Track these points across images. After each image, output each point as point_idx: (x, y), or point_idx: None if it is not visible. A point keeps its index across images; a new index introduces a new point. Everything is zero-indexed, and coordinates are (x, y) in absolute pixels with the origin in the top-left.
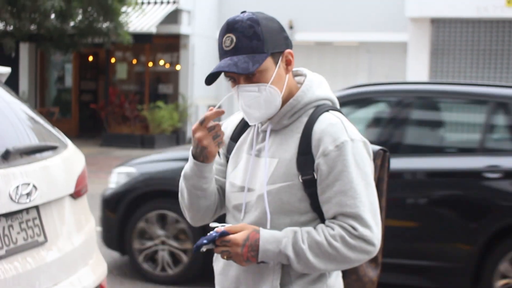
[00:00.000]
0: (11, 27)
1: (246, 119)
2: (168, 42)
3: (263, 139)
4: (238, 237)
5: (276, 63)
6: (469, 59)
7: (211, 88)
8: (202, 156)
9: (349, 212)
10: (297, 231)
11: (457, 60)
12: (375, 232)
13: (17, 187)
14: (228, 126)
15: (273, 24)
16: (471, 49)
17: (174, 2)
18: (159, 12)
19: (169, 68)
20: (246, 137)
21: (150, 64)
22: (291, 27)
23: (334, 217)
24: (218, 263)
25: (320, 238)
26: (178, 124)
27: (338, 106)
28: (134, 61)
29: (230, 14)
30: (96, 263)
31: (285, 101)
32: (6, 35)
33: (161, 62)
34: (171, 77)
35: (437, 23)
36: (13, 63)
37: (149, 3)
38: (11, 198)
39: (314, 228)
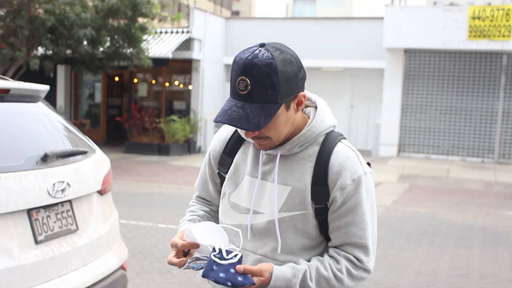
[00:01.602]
0: (50, 52)
1: (258, 147)
2: (182, 66)
3: (267, 162)
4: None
5: (288, 107)
6: (435, 84)
7: (218, 104)
8: None
9: (357, 242)
10: (306, 270)
11: (425, 85)
12: (372, 260)
13: (54, 184)
14: (217, 143)
15: (291, 68)
16: (437, 75)
17: (187, 32)
18: (174, 40)
19: (182, 88)
20: (245, 157)
21: (167, 84)
22: (299, 67)
23: (340, 245)
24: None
25: (327, 274)
26: (189, 135)
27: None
28: (153, 81)
29: (234, 43)
30: (118, 248)
31: (293, 130)
32: (46, 58)
33: (176, 83)
34: (184, 95)
35: (409, 53)
36: (52, 82)
37: (166, 32)
38: (49, 193)
39: (321, 262)
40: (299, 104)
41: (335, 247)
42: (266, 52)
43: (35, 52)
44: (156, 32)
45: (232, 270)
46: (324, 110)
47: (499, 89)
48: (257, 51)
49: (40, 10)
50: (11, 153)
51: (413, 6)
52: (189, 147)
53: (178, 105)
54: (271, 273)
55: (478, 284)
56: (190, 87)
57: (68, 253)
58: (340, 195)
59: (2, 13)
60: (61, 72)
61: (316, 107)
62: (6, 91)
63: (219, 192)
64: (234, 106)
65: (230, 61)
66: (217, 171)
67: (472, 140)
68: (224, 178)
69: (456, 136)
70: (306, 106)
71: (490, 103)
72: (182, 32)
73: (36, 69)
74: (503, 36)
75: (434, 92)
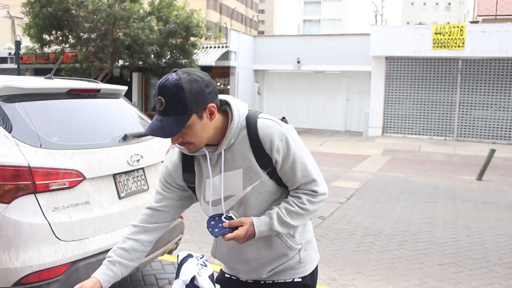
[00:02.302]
0: (128, 63)
1: (188, 153)
2: (222, 71)
3: (216, 161)
4: (241, 232)
5: (200, 117)
6: (409, 82)
7: (248, 99)
8: None
9: (307, 180)
10: (278, 211)
11: (402, 83)
12: (323, 185)
13: (131, 156)
14: (171, 166)
15: (197, 85)
16: (411, 76)
17: (226, 47)
18: (216, 53)
19: (223, 87)
20: (200, 166)
21: None
22: (298, 62)
23: (297, 187)
24: (227, 255)
25: (294, 209)
26: None
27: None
28: None
29: (260, 54)
30: None
31: (218, 128)
32: (124, 68)
33: (218, 83)
34: (224, 93)
35: (389, 59)
36: (128, 84)
37: (210, 47)
38: (128, 163)
39: (287, 202)
40: (211, 113)
41: (294, 189)
42: (175, 75)
43: (116, 63)
44: (203, 47)
45: (220, 225)
46: (235, 103)
47: (456, 85)
48: (169, 76)
49: (120, 34)
50: (102, 134)
51: (391, 25)
52: None
53: None
54: (252, 222)
55: (442, 229)
56: (228, 86)
57: (142, 205)
58: (278, 155)
59: (94, 36)
60: (135, 78)
61: (229, 104)
62: (98, 90)
63: (178, 199)
64: (155, 120)
65: (257, 67)
66: (187, 186)
67: (437, 123)
68: (193, 188)
69: (425, 121)
70: (222, 105)
71: (450, 96)
72: (222, 47)
73: (118, 76)
74: (458, 46)
75: (408, 88)
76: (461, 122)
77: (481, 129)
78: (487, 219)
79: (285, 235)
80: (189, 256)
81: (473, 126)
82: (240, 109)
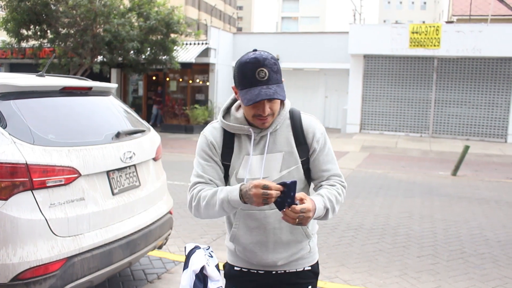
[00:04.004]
0: (107, 59)
1: (262, 127)
2: (202, 68)
3: (259, 142)
4: (309, 205)
5: None
6: (386, 80)
7: (227, 95)
8: (247, 201)
9: (337, 173)
10: (327, 193)
11: (379, 80)
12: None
13: (124, 153)
14: (214, 139)
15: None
16: (388, 74)
17: (206, 43)
18: (196, 50)
19: (202, 84)
20: (240, 144)
21: (190, 81)
22: (278, 59)
23: (328, 178)
24: (247, 237)
25: (336, 197)
26: (208, 118)
27: None
28: (181, 80)
29: (239, 51)
30: (167, 198)
31: None
32: (104, 64)
33: (197, 80)
34: (204, 89)
35: (367, 57)
36: (107, 80)
37: (190, 44)
38: (121, 160)
39: (329, 189)
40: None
41: (326, 179)
42: (263, 52)
43: (96, 59)
44: (183, 44)
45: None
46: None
47: (432, 83)
48: (258, 52)
49: (100, 29)
50: (95, 131)
51: (369, 24)
52: None
53: (199, 96)
54: (311, 198)
55: (419, 223)
56: (207, 83)
57: (134, 201)
58: (318, 145)
59: (73, 32)
60: (114, 74)
61: None
62: (90, 88)
63: (219, 175)
64: (262, 89)
65: None
66: (221, 162)
67: (413, 120)
68: (227, 165)
69: (401, 118)
70: None
71: (425, 94)
72: (202, 43)
73: (97, 72)
74: (434, 45)
75: (385, 86)
76: (436, 119)
77: (455, 126)
78: (462, 213)
79: None
80: (197, 247)
81: (448, 123)
82: (286, 102)
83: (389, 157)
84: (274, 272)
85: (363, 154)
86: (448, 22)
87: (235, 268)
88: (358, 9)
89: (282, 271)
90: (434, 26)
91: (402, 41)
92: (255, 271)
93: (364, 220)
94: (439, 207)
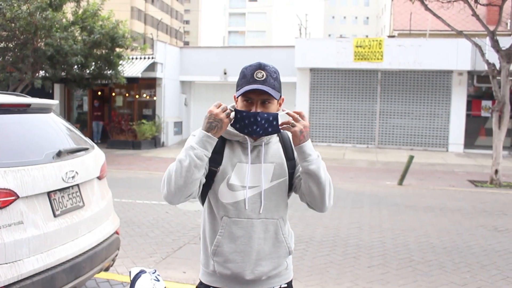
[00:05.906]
0: (49, 74)
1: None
2: (149, 82)
3: (253, 151)
4: (306, 123)
5: (277, 102)
6: (332, 92)
7: (175, 110)
8: (216, 128)
9: None
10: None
11: (326, 93)
12: None
13: (66, 173)
14: None
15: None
16: (334, 86)
17: (152, 58)
18: (143, 64)
19: (149, 99)
20: (233, 151)
21: (137, 96)
22: (225, 73)
23: None
24: (232, 245)
25: (325, 168)
26: (155, 133)
27: None
28: (127, 95)
29: (186, 65)
30: (113, 218)
31: None
32: (46, 79)
33: (144, 95)
34: (150, 104)
35: (313, 71)
36: (50, 96)
37: (136, 58)
38: (63, 179)
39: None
40: (279, 105)
41: None
42: (267, 63)
43: (38, 74)
44: (129, 58)
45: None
46: None
47: (377, 95)
48: (260, 62)
49: (42, 43)
50: (35, 151)
51: (315, 38)
52: (155, 142)
53: (146, 111)
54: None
55: (369, 233)
56: (155, 98)
57: (77, 223)
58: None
59: (11, 45)
60: (57, 89)
61: None
62: (28, 105)
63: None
64: (257, 85)
65: (184, 78)
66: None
67: (360, 132)
68: (213, 171)
69: (348, 129)
70: None
71: (370, 106)
72: (148, 58)
73: (39, 87)
74: (377, 59)
75: (332, 99)
76: (382, 130)
77: (399, 137)
78: (409, 221)
79: (286, 237)
80: (142, 271)
81: (393, 134)
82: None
83: (337, 168)
84: None
85: None
86: (390, 36)
87: None
88: (304, 23)
89: None
90: (377, 40)
91: (347, 55)
92: None
93: (314, 233)
94: (388, 216)
